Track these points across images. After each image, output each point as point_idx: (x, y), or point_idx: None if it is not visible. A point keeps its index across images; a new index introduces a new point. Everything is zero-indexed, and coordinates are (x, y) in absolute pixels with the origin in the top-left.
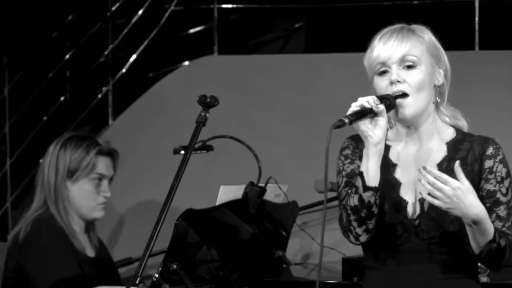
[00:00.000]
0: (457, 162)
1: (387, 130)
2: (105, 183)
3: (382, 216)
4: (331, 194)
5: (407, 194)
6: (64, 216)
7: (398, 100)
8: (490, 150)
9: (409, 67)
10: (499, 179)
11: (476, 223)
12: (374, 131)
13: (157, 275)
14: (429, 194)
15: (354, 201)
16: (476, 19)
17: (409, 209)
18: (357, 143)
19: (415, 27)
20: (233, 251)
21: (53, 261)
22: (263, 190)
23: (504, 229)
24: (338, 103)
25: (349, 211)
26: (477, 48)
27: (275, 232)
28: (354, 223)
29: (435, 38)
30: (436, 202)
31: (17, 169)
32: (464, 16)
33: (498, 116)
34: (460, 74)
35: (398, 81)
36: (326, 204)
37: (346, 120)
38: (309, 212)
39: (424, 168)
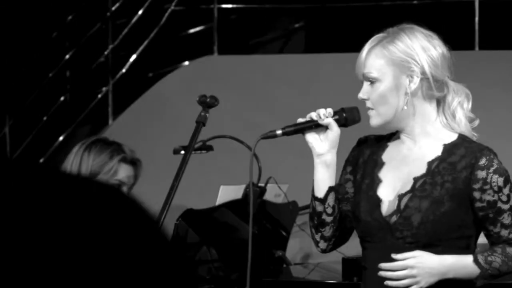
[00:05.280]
0: (398, 256)
1: (337, 142)
2: (124, 190)
3: (361, 214)
4: None
5: (384, 192)
6: None
7: (368, 112)
8: (483, 161)
9: (372, 82)
10: (496, 189)
11: (454, 273)
12: (318, 143)
13: None
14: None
15: (310, 208)
16: (476, 19)
17: (384, 207)
18: (358, 147)
19: (393, 31)
20: (233, 251)
21: None
22: (263, 190)
23: (511, 235)
24: (338, 103)
25: (309, 218)
26: (477, 48)
27: (275, 232)
28: (312, 230)
29: (415, 41)
30: (414, 286)
31: None
32: (464, 16)
33: (498, 116)
34: (460, 74)
35: (363, 99)
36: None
37: (279, 132)
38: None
39: (380, 268)
